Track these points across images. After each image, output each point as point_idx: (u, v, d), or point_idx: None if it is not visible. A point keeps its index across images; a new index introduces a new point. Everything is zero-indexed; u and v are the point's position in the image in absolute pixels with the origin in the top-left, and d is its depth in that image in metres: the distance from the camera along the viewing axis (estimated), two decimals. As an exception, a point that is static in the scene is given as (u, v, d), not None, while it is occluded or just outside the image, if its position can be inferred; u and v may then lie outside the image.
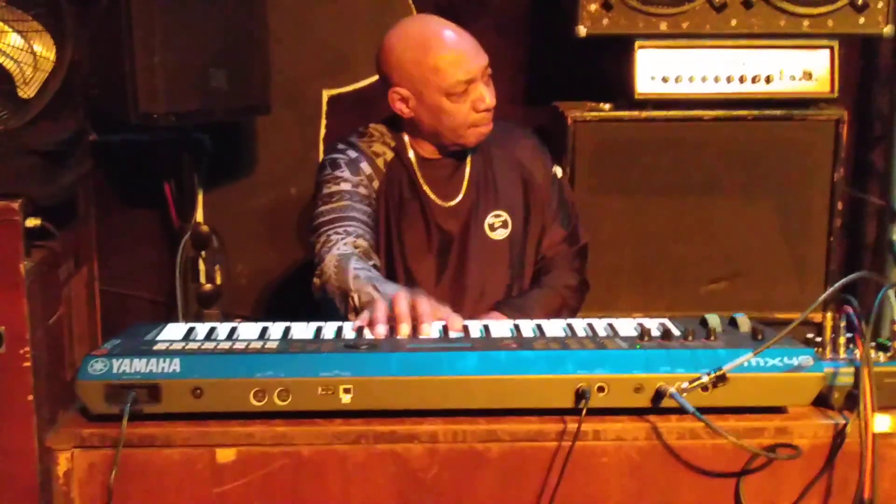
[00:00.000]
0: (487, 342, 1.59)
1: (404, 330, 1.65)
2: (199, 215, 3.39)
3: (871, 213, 3.63)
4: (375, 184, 2.39)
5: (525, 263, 2.50)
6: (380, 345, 1.55)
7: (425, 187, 2.42)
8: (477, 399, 1.48)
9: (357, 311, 1.94)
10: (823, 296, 1.48)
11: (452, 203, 2.43)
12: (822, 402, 1.52)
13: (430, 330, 1.65)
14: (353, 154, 2.41)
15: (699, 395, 1.46)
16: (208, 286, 3.36)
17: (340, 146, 2.45)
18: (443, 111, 2.32)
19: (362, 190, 2.36)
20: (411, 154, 2.42)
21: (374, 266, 2.18)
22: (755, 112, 3.05)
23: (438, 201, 2.42)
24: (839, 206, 3.13)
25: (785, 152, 3.09)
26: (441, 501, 1.48)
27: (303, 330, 1.67)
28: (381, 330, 1.65)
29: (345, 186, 2.34)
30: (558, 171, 2.57)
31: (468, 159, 2.45)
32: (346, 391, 1.46)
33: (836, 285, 1.48)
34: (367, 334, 1.65)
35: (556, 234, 2.52)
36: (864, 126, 3.61)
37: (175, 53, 2.82)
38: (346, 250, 2.17)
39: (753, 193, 3.11)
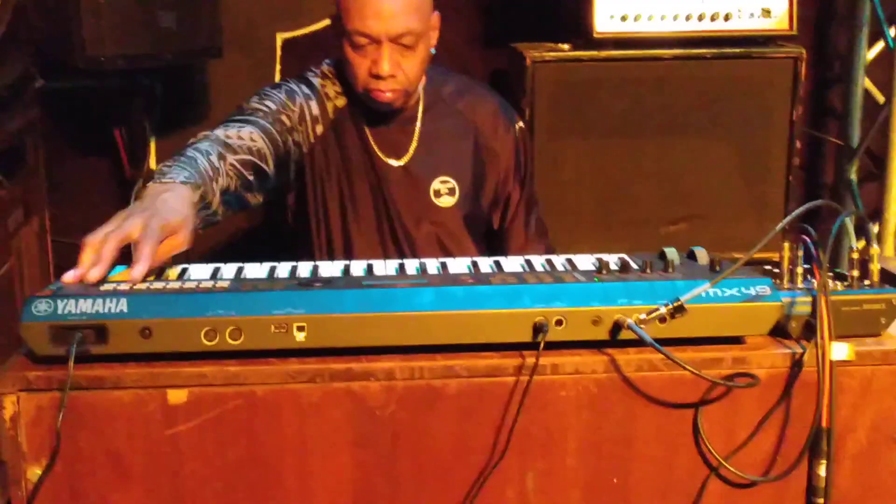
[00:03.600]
0: (444, 277, 1.56)
1: (93, 275, 1.48)
2: (152, 162, 3.33)
3: (830, 152, 3.65)
4: (319, 128, 2.23)
5: (479, 229, 2.38)
6: (334, 281, 1.52)
7: (372, 141, 2.27)
8: (434, 335, 1.46)
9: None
10: (783, 223, 1.47)
11: (400, 163, 2.29)
12: (779, 331, 1.52)
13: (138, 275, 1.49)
14: (303, 89, 2.25)
15: (657, 327, 1.45)
16: (163, 235, 3.30)
17: (294, 79, 2.29)
18: (346, 56, 2.17)
19: (283, 119, 2.16)
20: (362, 105, 2.25)
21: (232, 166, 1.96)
22: (714, 50, 3.03)
23: (385, 158, 2.28)
24: (797, 145, 3.13)
25: (743, 91, 3.08)
26: (399, 439, 1.46)
27: (256, 270, 1.63)
28: (69, 276, 1.49)
29: (266, 105, 2.15)
30: (520, 126, 2.41)
31: (420, 116, 2.30)
32: (300, 329, 1.43)
33: (795, 213, 1.47)
34: (322, 272, 1.61)
35: (514, 197, 2.40)
36: (822, 66, 3.61)
37: (122, -6, 2.75)
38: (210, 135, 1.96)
39: (712, 133, 3.11)
